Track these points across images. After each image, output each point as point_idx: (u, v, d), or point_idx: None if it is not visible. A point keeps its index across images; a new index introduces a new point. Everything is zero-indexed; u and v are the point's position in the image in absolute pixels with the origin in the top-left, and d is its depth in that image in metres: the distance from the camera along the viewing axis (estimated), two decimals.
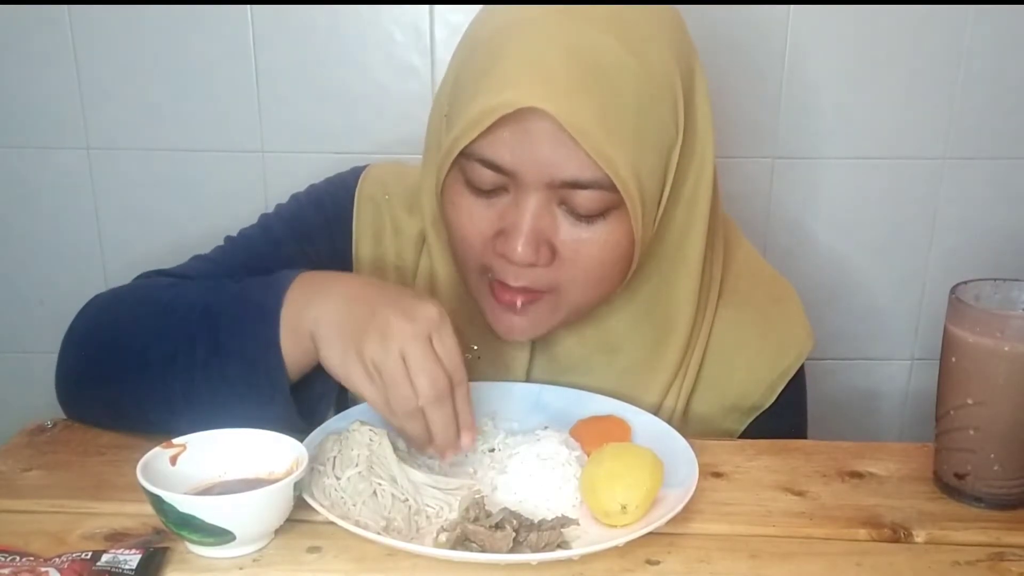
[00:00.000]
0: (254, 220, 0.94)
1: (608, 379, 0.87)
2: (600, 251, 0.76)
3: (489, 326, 0.82)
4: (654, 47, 0.73)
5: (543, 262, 0.75)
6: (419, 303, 0.70)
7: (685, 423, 0.87)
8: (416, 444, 0.73)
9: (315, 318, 0.71)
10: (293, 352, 0.72)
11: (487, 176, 0.74)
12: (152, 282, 0.86)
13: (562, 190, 0.73)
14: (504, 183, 0.74)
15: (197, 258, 0.90)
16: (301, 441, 0.70)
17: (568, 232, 0.75)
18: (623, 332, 0.87)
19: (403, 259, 0.91)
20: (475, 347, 0.87)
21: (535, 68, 0.71)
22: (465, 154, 0.74)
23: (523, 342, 0.87)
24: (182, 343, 0.74)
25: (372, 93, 1.22)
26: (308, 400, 0.76)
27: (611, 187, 0.72)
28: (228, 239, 0.92)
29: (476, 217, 0.77)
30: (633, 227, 0.75)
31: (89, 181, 1.27)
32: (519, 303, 0.78)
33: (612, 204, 0.74)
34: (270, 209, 0.94)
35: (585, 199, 0.73)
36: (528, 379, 0.88)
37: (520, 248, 0.73)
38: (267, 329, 0.72)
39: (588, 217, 0.74)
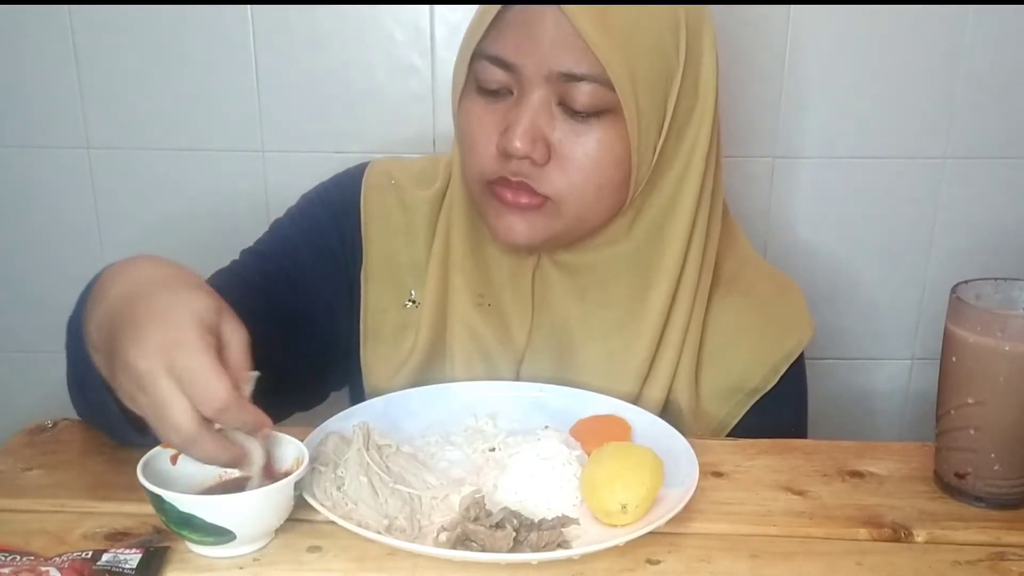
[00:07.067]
0: (254, 220, 0.95)
1: (600, 336, 0.88)
2: (594, 151, 0.79)
3: (500, 288, 0.85)
4: None
5: (540, 157, 0.78)
6: (163, 324, 0.60)
7: (695, 400, 0.89)
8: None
9: (95, 327, 0.66)
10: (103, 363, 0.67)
11: (494, 74, 0.79)
12: None
13: (560, 85, 0.77)
14: (508, 83, 0.79)
15: (219, 273, 0.89)
16: (302, 440, 0.70)
17: (564, 130, 0.79)
18: (616, 289, 0.88)
19: (414, 231, 0.92)
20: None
21: None
22: (476, 55, 0.80)
23: (527, 303, 0.89)
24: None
25: (372, 93, 1.22)
26: None
27: (606, 83, 0.76)
28: (243, 251, 0.93)
29: (484, 120, 0.81)
30: (628, 131, 0.78)
31: (89, 181, 1.27)
32: (520, 202, 0.80)
33: (607, 105, 0.77)
34: (270, 208, 0.95)
35: (582, 94, 0.77)
36: (530, 335, 0.89)
37: (518, 141, 0.77)
38: (78, 342, 0.70)
39: (584, 115, 0.78)
